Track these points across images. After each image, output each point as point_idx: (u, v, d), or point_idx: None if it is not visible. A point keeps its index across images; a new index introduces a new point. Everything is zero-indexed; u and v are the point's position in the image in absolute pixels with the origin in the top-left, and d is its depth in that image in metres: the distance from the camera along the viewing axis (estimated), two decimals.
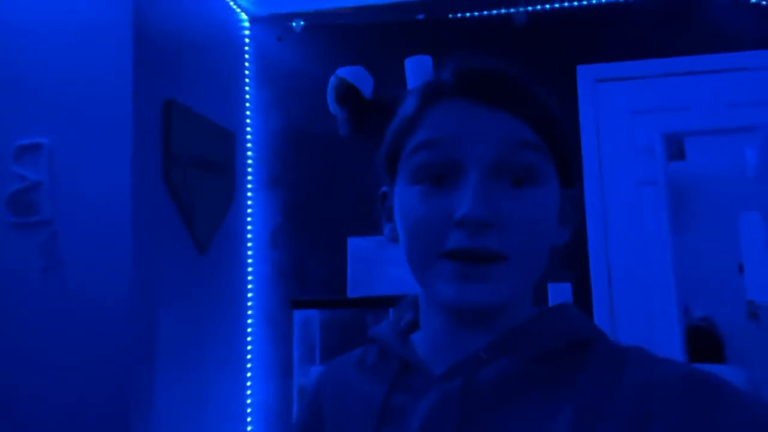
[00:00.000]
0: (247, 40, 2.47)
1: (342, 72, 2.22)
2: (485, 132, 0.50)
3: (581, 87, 2.24)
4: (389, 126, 0.58)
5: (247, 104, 2.44)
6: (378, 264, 2.27)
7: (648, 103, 2.23)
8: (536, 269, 0.52)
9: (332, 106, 2.25)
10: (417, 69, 2.24)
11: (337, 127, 2.31)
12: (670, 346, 2.12)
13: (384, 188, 0.60)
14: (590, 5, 2.27)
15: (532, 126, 0.51)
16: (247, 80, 2.45)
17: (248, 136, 2.43)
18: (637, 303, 2.19)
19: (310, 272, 2.36)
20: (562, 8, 2.29)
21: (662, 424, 0.43)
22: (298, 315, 2.18)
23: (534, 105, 0.53)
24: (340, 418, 0.59)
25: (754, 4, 2.17)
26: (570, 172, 0.56)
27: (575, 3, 2.28)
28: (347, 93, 2.18)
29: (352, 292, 2.25)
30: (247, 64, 2.46)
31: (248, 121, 2.44)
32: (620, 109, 2.27)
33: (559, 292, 2.14)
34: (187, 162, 1.92)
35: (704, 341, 2.83)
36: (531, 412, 0.48)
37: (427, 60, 2.23)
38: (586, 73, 2.26)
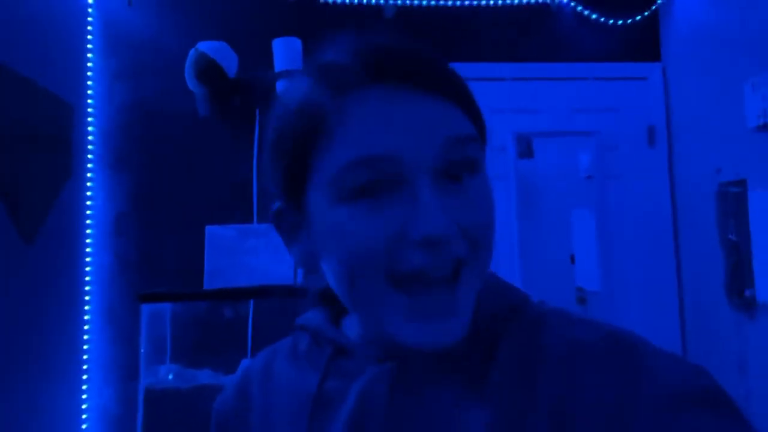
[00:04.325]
0: (91, 1, 2.17)
1: (203, 46, 2.04)
2: (427, 130, 0.43)
3: None
4: (278, 126, 0.48)
5: (90, 74, 2.15)
6: (238, 254, 2.15)
7: (503, 104, 2.38)
8: (489, 262, 0.48)
9: (191, 83, 2.07)
10: (285, 51, 2.14)
11: (195, 105, 2.14)
12: None
13: (278, 204, 0.51)
14: (456, 6, 2.35)
15: (467, 113, 0.46)
16: (90, 46, 2.16)
17: (90, 110, 2.14)
18: None
19: (161, 263, 2.16)
20: (429, 6, 2.34)
21: (584, 388, 0.43)
22: (146, 309, 1.98)
23: (463, 88, 0.47)
24: (271, 411, 0.54)
25: (594, 20, 2.41)
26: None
27: (444, 2, 2.35)
28: (208, 69, 2.02)
29: (209, 284, 2.10)
30: (90, 28, 2.16)
31: (90, 92, 2.15)
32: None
33: None
34: (9, 133, 1.64)
35: None
36: (457, 389, 0.46)
37: (296, 42, 2.15)
38: None
